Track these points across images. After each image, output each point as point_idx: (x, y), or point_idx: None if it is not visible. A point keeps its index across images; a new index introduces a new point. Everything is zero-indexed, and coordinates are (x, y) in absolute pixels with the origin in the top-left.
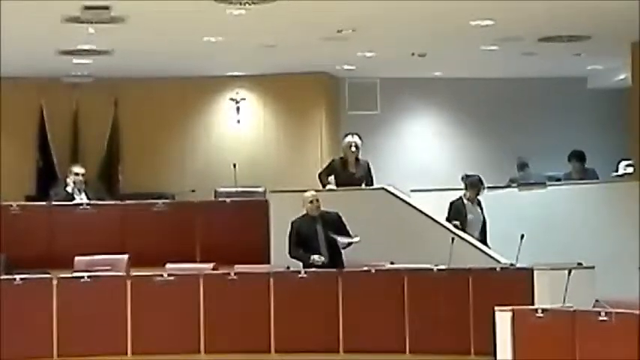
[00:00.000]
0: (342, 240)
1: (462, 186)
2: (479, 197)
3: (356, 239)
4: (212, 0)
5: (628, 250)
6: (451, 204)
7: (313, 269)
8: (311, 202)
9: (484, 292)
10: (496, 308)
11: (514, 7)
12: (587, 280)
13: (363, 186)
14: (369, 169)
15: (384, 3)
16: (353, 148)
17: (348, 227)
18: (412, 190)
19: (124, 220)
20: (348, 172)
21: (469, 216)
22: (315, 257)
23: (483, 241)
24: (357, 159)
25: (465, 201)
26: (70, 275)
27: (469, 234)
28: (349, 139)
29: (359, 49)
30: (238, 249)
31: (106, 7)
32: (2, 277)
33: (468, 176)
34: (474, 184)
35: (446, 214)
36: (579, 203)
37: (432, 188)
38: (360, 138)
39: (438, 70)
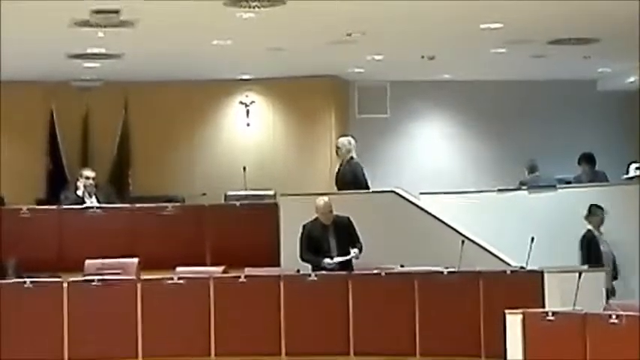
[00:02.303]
0: (338, 260)
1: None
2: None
3: (351, 255)
4: (221, 4)
5: (638, 252)
6: (584, 238)
7: (324, 272)
8: (323, 213)
9: (494, 294)
10: (506, 311)
11: (523, 9)
12: (598, 282)
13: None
14: (356, 172)
15: (394, 6)
16: (335, 149)
17: (358, 231)
18: (422, 193)
19: (134, 223)
20: (337, 173)
21: (603, 248)
22: (327, 260)
23: (615, 276)
24: (351, 158)
25: (596, 233)
26: (80, 279)
27: (604, 268)
28: None
29: (368, 52)
30: (248, 252)
31: (116, 11)
32: (13, 280)
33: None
34: (591, 211)
35: (579, 251)
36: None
37: (441, 191)
38: (351, 140)
39: (448, 73)
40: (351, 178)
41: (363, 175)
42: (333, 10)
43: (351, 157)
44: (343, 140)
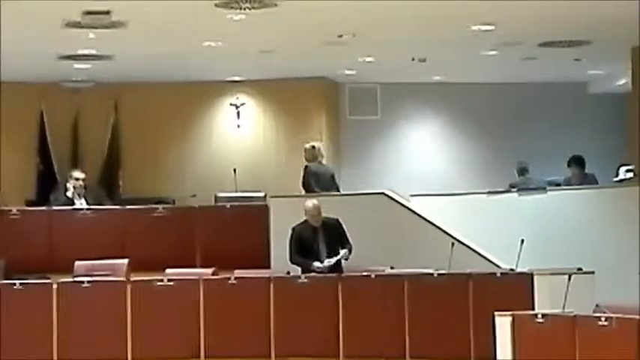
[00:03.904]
0: (328, 264)
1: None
2: None
3: (340, 255)
4: (213, 5)
5: (628, 255)
6: None
7: (314, 274)
8: (312, 215)
9: (484, 297)
10: (496, 313)
11: (515, 11)
12: (587, 285)
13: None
14: (303, 179)
15: (385, 8)
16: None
17: (347, 233)
18: (412, 195)
19: (124, 224)
20: None
21: None
22: (317, 264)
23: None
24: (314, 160)
25: None
26: (70, 280)
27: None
28: None
29: (359, 54)
30: (238, 254)
31: (107, 12)
32: (2, 281)
33: None
34: None
35: None
36: (579, 208)
37: (431, 193)
38: (315, 144)
39: (438, 75)
40: (302, 182)
41: (317, 179)
42: (324, 11)
43: (314, 160)
44: (306, 145)
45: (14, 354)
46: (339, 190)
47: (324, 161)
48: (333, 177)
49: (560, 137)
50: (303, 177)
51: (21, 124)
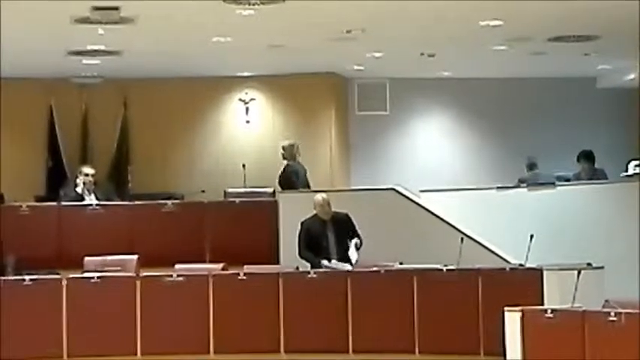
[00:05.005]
0: (336, 265)
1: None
2: None
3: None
4: (221, 1)
5: (637, 250)
6: None
7: (323, 269)
8: (322, 206)
9: (493, 292)
10: (505, 308)
11: (523, 7)
12: (597, 280)
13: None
14: (284, 174)
15: (393, 3)
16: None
17: (357, 228)
18: (421, 191)
19: (134, 220)
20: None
21: None
22: (325, 263)
23: None
24: (292, 159)
25: None
26: (79, 276)
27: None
28: None
29: (368, 50)
30: (247, 249)
31: (116, 8)
32: (12, 277)
33: None
34: None
35: None
36: (588, 203)
37: (441, 188)
38: (293, 143)
39: (447, 71)
40: (280, 180)
41: (297, 176)
42: (332, 7)
43: (293, 158)
44: (285, 143)
45: (24, 349)
46: (309, 187)
47: (300, 159)
48: (306, 174)
49: (569, 132)
50: (285, 174)
51: (30, 120)
